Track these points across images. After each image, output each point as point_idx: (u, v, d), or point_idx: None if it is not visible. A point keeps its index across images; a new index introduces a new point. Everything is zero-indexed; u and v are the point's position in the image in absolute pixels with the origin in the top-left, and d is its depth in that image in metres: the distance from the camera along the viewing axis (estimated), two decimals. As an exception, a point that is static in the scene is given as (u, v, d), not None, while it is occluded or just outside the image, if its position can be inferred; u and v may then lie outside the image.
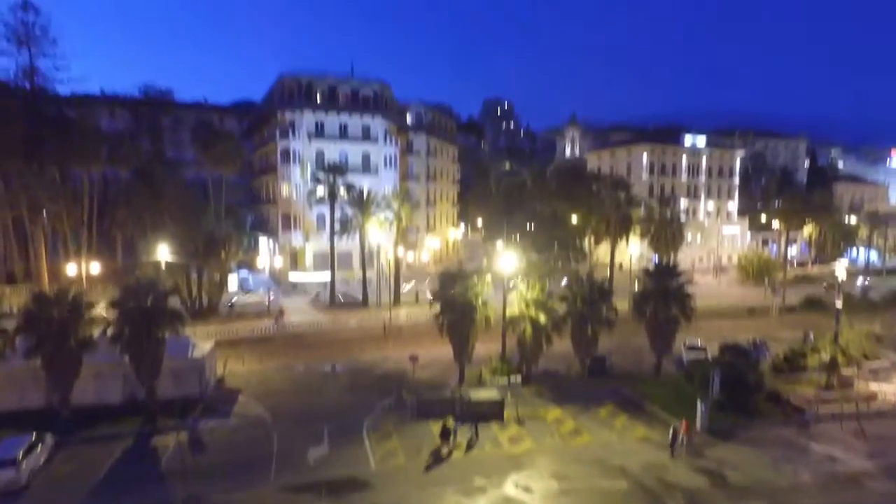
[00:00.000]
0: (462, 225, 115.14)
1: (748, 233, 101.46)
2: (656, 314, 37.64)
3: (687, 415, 31.11)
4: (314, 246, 69.92)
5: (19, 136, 55.00)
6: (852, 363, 37.42)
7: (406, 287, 63.29)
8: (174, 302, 40.06)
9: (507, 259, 38.58)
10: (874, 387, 35.96)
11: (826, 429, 30.62)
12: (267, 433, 29.66)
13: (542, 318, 35.16)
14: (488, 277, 36.76)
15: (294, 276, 70.43)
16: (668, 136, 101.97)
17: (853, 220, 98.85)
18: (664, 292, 37.67)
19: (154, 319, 30.31)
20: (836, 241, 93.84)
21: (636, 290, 42.90)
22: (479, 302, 35.32)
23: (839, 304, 38.40)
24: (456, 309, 34.98)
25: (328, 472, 25.36)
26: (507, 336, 38.74)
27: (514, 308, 36.93)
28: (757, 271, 75.29)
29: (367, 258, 62.38)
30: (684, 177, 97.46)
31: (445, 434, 27.67)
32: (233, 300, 58.30)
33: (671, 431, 27.61)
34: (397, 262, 64.94)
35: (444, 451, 27.37)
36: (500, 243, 72.07)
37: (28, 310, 29.85)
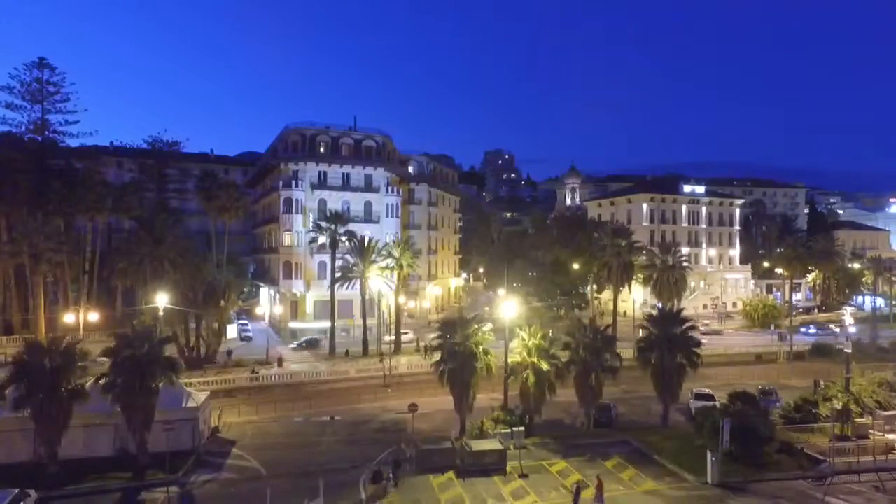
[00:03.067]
0: (463, 273, 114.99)
1: (752, 280, 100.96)
2: (661, 362, 36.79)
3: (696, 466, 30.04)
4: (315, 294, 69.58)
5: (26, 188, 55.73)
6: (866, 412, 36.23)
7: (407, 335, 62.57)
8: (171, 350, 39.49)
9: (509, 306, 38.12)
10: (891, 437, 34.65)
11: (843, 482, 29.31)
12: (260, 487, 28.39)
13: (545, 365, 34.39)
14: (489, 325, 36.22)
15: (294, 325, 69.72)
16: (667, 185, 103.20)
17: (856, 265, 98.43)
18: (669, 339, 36.96)
19: (148, 369, 29.69)
20: (840, 287, 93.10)
21: (640, 336, 42.11)
22: (480, 350, 34.64)
23: (849, 349, 37.59)
24: (456, 357, 34.28)
25: (322, 530, 24.21)
26: (509, 386, 37.94)
27: (515, 356, 36.24)
28: (762, 317, 74.36)
29: (367, 306, 61.92)
30: (685, 224, 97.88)
31: (377, 478, 27.62)
32: (231, 349, 57.53)
33: (574, 487, 26.20)
34: (398, 310, 64.46)
35: (378, 494, 27.06)
36: (501, 291, 71.61)
37: (20, 358, 29.33)
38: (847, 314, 38.16)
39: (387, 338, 61.21)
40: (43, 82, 61.49)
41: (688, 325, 37.95)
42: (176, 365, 31.80)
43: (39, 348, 29.80)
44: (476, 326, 35.29)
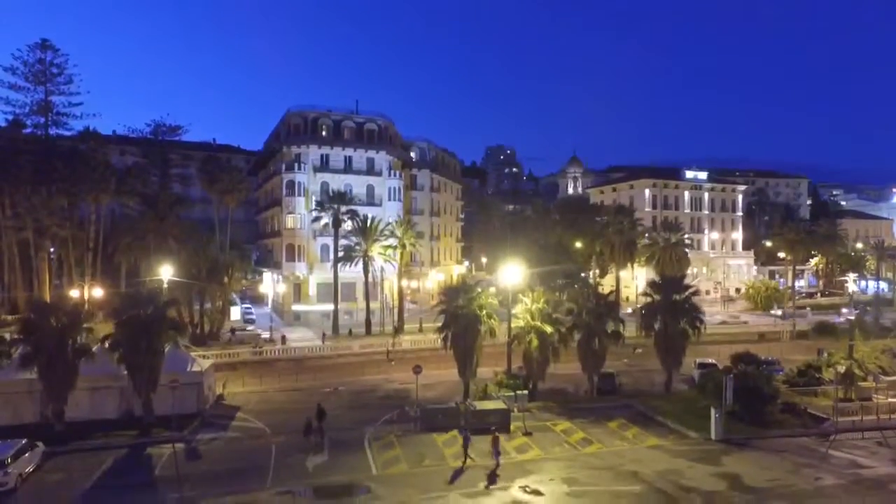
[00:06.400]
0: (466, 261, 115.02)
1: (754, 266, 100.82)
2: (665, 328, 36.86)
3: (699, 425, 30.13)
4: (318, 277, 69.69)
5: (29, 168, 55.94)
6: (869, 377, 36.28)
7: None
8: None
9: (510, 271, 38.19)
10: (894, 401, 34.67)
11: (847, 438, 29.41)
12: (265, 444, 28.69)
13: (549, 329, 34.47)
14: (492, 289, 36.31)
15: (297, 308, 69.89)
16: (669, 172, 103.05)
17: (859, 245, 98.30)
18: (672, 305, 37.02)
19: (153, 328, 29.84)
20: (843, 271, 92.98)
21: (642, 304, 42.12)
22: (484, 313, 34.74)
23: (852, 316, 37.58)
24: (459, 321, 34.40)
25: (328, 479, 24.41)
26: (513, 354, 38.13)
27: (519, 321, 36.34)
28: (765, 300, 74.33)
29: (370, 288, 61.98)
30: (687, 210, 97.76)
31: (308, 430, 28.68)
32: (235, 328, 57.80)
33: (464, 438, 26.38)
34: (401, 291, 64.61)
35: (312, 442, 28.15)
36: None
37: (26, 318, 29.50)
38: (850, 280, 38.23)
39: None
40: (46, 64, 61.78)
41: (690, 290, 37.95)
42: (180, 326, 31.91)
43: (45, 307, 29.97)
44: (479, 290, 35.37)
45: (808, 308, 75.47)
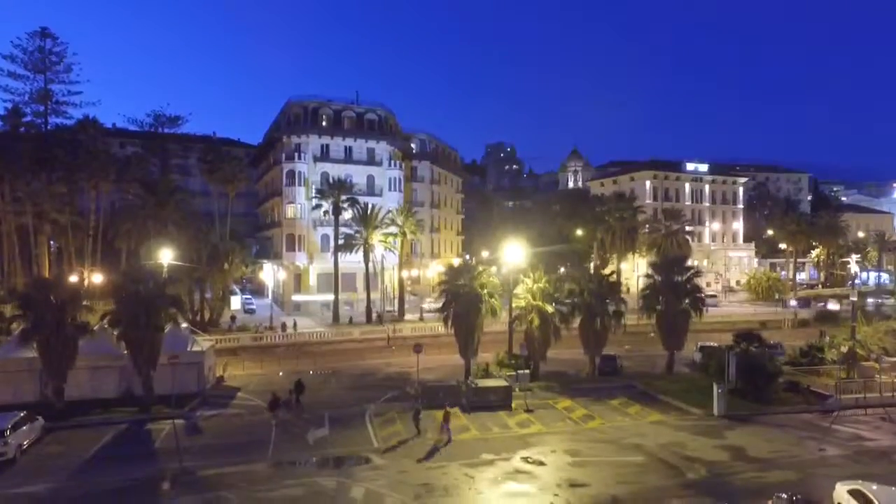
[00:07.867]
0: (466, 255, 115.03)
1: (756, 259, 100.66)
2: (667, 308, 36.73)
3: (702, 402, 30.02)
4: (318, 267, 69.60)
5: (29, 153, 55.77)
6: (871, 356, 36.14)
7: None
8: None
9: (512, 250, 38.07)
10: (897, 380, 34.46)
11: (850, 414, 29.29)
12: (265, 420, 28.54)
13: (550, 308, 34.35)
14: (493, 269, 36.17)
15: (298, 298, 69.77)
16: (670, 164, 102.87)
17: (861, 235, 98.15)
18: (673, 285, 36.89)
19: (153, 305, 29.71)
20: (844, 262, 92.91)
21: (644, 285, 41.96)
22: (485, 293, 34.61)
23: (854, 297, 37.49)
24: (461, 300, 34.27)
25: (329, 451, 24.30)
26: (514, 335, 38.02)
27: (521, 301, 36.24)
28: (766, 290, 74.24)
29: (371, 278, 61.82)
30: (688, 202, 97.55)
31: (274, 405, 28.35)
32: (235, 316, 57.66)
33: (414, 412, 26.58)
34: (401, 281, 64.46)
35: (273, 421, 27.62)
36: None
37: (25, 293, 29.37)
38: (853, 261, 38.16)
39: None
40: (45, 52, 61.62)
41: (692, 271, 37.83)
42: (180, 303, 31.76)
43: (44, 284, 29.84)
44: (481, 269, 35.26)
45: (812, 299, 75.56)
